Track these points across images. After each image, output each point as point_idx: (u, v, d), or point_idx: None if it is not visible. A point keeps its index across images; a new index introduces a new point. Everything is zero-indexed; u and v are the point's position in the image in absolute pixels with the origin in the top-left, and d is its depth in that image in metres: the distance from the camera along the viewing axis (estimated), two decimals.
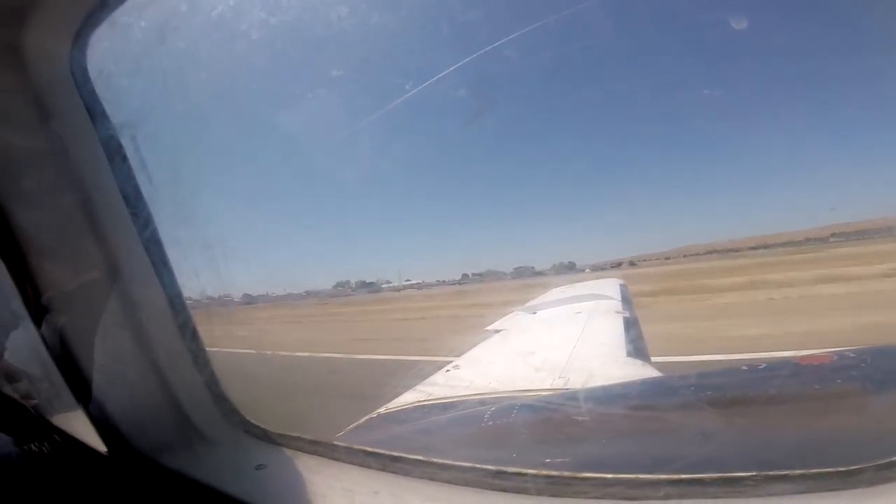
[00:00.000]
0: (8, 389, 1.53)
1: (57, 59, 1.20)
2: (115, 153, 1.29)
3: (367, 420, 2.32)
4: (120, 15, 1.23)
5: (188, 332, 1.40)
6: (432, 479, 1.11)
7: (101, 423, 1.31)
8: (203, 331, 1.43)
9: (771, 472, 0.88)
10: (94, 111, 1.27)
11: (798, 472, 0.88)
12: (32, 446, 1.44)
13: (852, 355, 1.77)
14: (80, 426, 1.37)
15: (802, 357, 1.85)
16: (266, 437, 1.43)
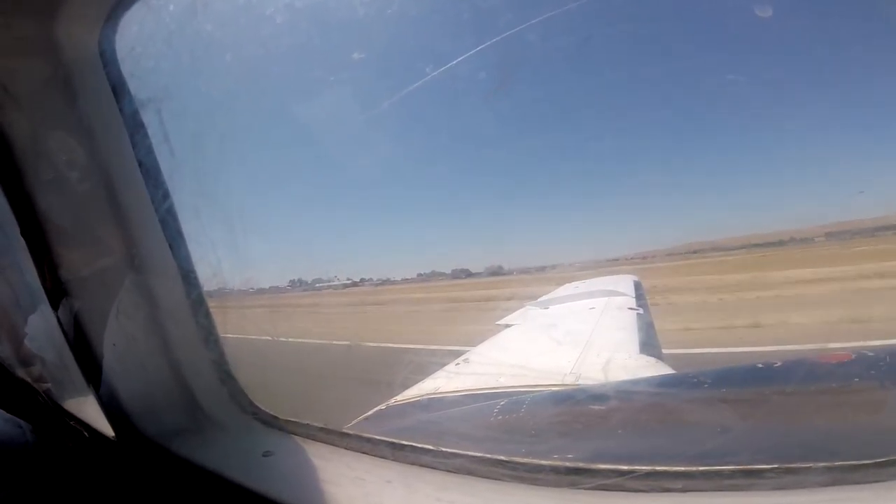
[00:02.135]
0: (22, 373, 1.54)
1: (87, 42, 1.20)
2: (137, 129, 1.29)
3: (376, 411, 2.32)
4: None
5: (201, 310, 1.39)
6: (445, 469, 1.09)
7: (110, 406, 1.32)
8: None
9: (792, 465, 0.86)
10: (119, 89, 1.27)
11: (821, 464, 0.85)
12: (44, 432, 1.44)
13: (871, 354, 1.73)
14: (90, 410, 1.38)
15: (821, 354, 1.81)
16: (274, 423, 1.42)
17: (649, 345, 3.21)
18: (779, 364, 1.86)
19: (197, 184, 1.46)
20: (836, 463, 0.85)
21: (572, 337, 3.36)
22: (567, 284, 6.46)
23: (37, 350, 1.54)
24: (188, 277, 1.37)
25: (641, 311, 4.09)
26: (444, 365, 3.12)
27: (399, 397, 2.53)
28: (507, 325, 4.25)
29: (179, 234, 1.35)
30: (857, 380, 1.57)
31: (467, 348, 3.68)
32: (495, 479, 1.03)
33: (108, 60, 1.24)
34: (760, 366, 1.88)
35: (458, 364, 3.15)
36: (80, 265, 1.28)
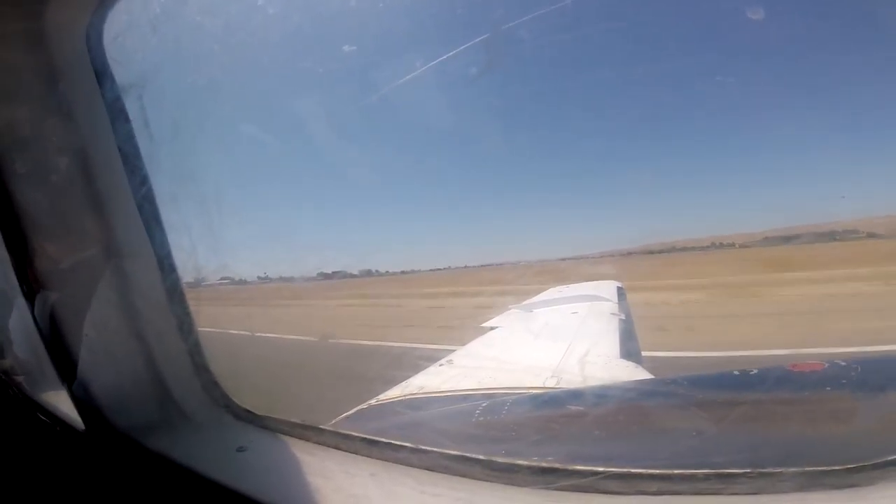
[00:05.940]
0: None
1: (75, 28, 1.18)
2: (119, 115, 1.27)
3: (356, 411, 2.30)
4: None
5: (176, 297, 1.37)
6: (422, 467, 1.09)
7: (82, 399, 1.29)
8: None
9: (766, 469, 0.87)
10: (103, 74, 1.25)
11: (792, 469, 0.86)
12: (11, 422, 1.41)
13: (843, 363, 1.78)
14: (62, 404, 1.35)
15: (794, 364, 1.84)
16: (249, 418, 1.40)
17: (630, 350, 3.25)
18: (754, 372, 1.89)
19: (176, 171, 1.44)
20: (809, 468, 0.86)
21: (554, 340, 3.39)
22: (551, 289, 6.50)
23: (10, 342, 1.51)
24: (164, 264, 1.34)
25: (623, 316, 4.14)
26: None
27: (382, 396, 2.52)
28: (492, 327, 4.27)
29: (157, 220, 1.33)
30: (828, 388, 1.61)
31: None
32: (472, 477, 1.03)
33: (93, 46, 1.22)
34: (736, 373, 1.91)
35: (441, 365, 3.16)
36: (57, 255, 1.25)
